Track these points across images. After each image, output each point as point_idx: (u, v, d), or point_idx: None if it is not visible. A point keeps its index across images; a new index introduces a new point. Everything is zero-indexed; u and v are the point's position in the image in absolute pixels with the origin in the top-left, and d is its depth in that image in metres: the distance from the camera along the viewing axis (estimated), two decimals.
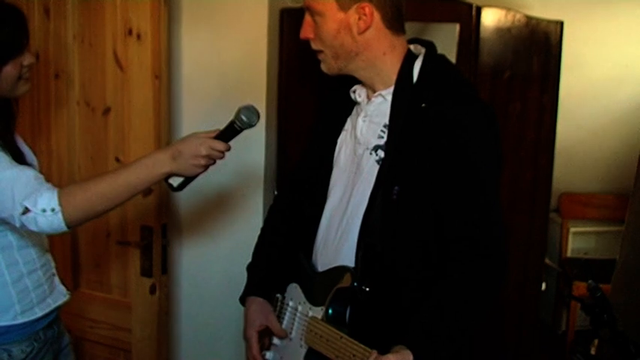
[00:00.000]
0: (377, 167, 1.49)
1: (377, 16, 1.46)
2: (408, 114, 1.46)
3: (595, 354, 1.97)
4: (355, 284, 1.47)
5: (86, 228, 2.07)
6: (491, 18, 2.62)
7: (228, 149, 1.55)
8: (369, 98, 1.57)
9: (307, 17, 1.52)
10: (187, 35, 2.31)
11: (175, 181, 1.56)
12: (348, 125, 1.62)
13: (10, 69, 1.54)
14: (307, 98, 2.52)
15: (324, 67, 1.56)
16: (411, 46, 1.56)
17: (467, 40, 2.60)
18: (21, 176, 1.49)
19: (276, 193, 2.40)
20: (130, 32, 2.03)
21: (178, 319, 2.48)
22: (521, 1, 3.09)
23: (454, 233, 1.44)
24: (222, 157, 1.55)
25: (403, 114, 1.47)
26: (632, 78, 3.62)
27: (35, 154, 1.75)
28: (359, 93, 1.58)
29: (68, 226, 1.48)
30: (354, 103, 1.61)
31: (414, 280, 1.48)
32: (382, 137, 1.50)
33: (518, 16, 2.64)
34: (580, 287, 3.28)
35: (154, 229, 2.11)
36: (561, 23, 2.66)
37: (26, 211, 1.46)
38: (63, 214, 1.46)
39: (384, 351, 1.37)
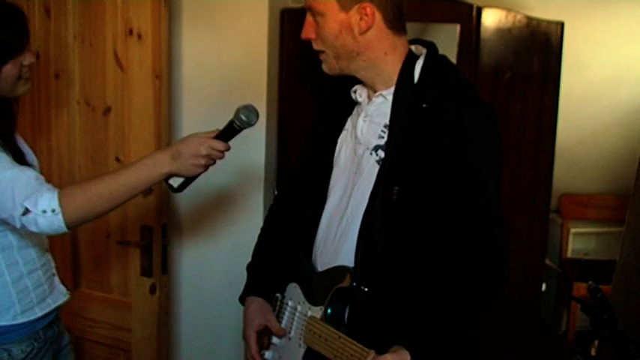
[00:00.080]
0: (377, 167, 1.49)
1: (378, 16, 1.46)
2: (408, 114, 1.46)
3: (595, 354, 1.97)
4: (354, 284, 1.47)
5: (86, 228, 2.07)
6: (491, 18, 2.62)
7: (228, 149, 1.55)
8: (369, 98, 1.57)
9: (309, 17, 1.52)
10: (188, 35, 2.31)
11: (175, 182, 1.56)
12: (348, 125, 1.62)
13: (10, 68, 1.54)
14: (307, 98, 2.52)
15: (325, 68, 1.56)
16: (413, 47, 1.56)
17: (467, 40, 2.60)
18: (21, 177, 1.49)
19: (276, 193, 2.40)
20: (131, 32, 2.03)
21: (178, 318, 2.48)
22: (522, 1, 3.09)
23: (455, 233, 1.44)
24: (221, 157, 1.55)
25: (404, 114, 1.47)
26: (632, 78, 3.62)
27: (35, 153, 1.75)
28: (360, 93, 1.59)
29: (68, 227, 1.48)
30: (354, 103, 1.61)
31: (413, 280, 1.48)
32: (382, 137, 1.50)
33: (518, 16, 2.64)
34: (580, 288, 3.28)
35: (154, 228, 2.11)
36: (562, 24, 2.66)
37: (26, 211, 1.46)
38: (63, 215, 1.46)
39: (383, 351, 1.37)
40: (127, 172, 1.52)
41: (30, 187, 1.47)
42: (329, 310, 1.50)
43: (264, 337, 1.67)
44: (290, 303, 1.64)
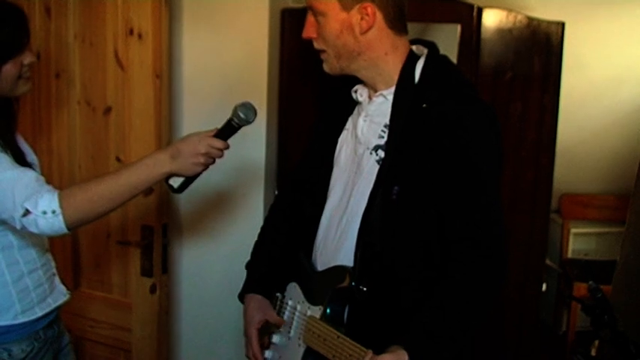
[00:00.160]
0: (377, 167, 1.49)
1: (379, 16, 1.46)
2: (408, 114, 1.46)
3: (595, 355, 1.97)
4: (353, 284, 1.47)
5: (87, 228, 2.06)
6: (492, 19, 2.62)
7: (227, 147, 1.55)
8: (370, 98, 1.57)
9: (310, 17, 1.52)
10: (188, 35, 2.31)
11: (176, 182, 1.56)
12: (349, 125, 1.62)
13: (10, 68, 1.54)
14: (308, 98, 2.52)
15: (326, 67, 1.56)
16: (414, 47, 1.56)
17: (468, 40, 2.60)
18: (22, 177, 1.49)
19: (276, 192, 2.40)
20: (131, 32, 2.03)
21: (178, 318, 2.48)
22: (523, 2, 3.09)
23: (455, 234, 1.44)
24: (221, 156, 1.55)
25: (404, 114, 1.47)
26: (633, 79, 3.62)
27: (36, 153, 1.75)
28: (360, 93, 1.59)
29: (69, 228, 1.48)
30: (355, 103, 1.61)
31: (412, 280, 1.48)
32: (383, 137, 1.50)
33: (519, 17, 2.64)
34: (580, 288, 3.28)
35: (154, 228, 2.11)
36: (562, 24, 2.66)
37: (27, 213, 1.45)
38: (63, 216, 1.46)
39: (382, 351, 1.37)
40: (127, 172, 1.52)
41: (30, 188, 1.47)
42: (328, 310, 1.50)
43: (264, 336, 1.67)
44: (290, 302, 1.64)
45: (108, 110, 2.14)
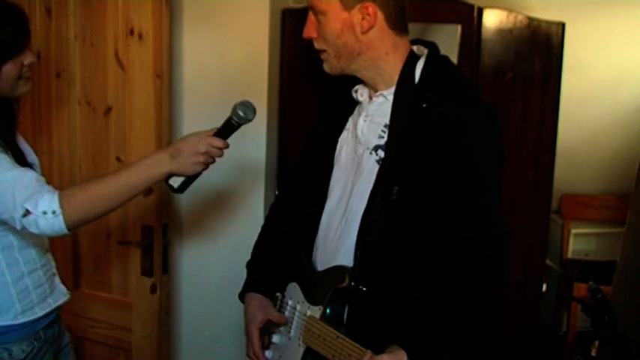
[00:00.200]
0: (377, 167, 1.49)
1: (380, 16, 1.46)
2: (408, 114, 1.46)
3: (596, 355, 1.97)
4: (352, 284, 1.47)
5: (87, 228, 2.06)
6: (492, 19, 2.62)
7: (227, 146, 1.55)
8: (370, 98, 1.57)
9: (311, 16, 1.52)
10: (189, 35, 2.31)
11: (176, 182, 1.55)
12: (349, 124, 1.62)
13: (10, 68, 1.54)
14: (308, 98, 2.52)
15: (326, 67, 1.56)
16: (414, 47, 1.56)
17: (468, 41, 2.60)
18: (22, 178, 1.49)
19: (277, 193, 2.40)
20: (132, 32, 2.03)
21: (179, 318, 2.48)
22: (523, 2, 3.09)
23: (455, 234, 1.44)
24: (220, 155, 1.55)
25: (404, 114, 1.47)
26: (633, 79, 3.62)
27: (36, 153, 1.75)
28: (361, 92, 1.59)
29: (69, 229, 1.48)
30: (355, 103, 1.61)
31: (412, 280, 1.48)
32: (382, 137, 1.50)
33: (519, 17, 2.64)
34: (581, 288, 3.28)
35: (154, 228, 2.11)
36: (563, 24, 2.66)
37: (27, 213, 1.46)
38: (64, 217, 1.46)
39: (381, 351, 1.37)
40: (127, 172, 1.52)
41: (30, 188, 1.47)
42: (328, 310, 1.50)
43: (264, 336, 1.67)
44: (290, 302, 1.64)
45: (108, 110, 2.14)
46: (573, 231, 3.67)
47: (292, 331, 1.61)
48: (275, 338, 1.65)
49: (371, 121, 1.54)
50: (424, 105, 1.46)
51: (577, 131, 3.59)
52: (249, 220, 2.35)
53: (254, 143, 2.33)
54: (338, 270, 1.51)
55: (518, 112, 2.69)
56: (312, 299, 1.57)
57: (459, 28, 2.59)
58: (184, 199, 2.37)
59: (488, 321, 2.46)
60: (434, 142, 1.43)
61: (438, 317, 1.40)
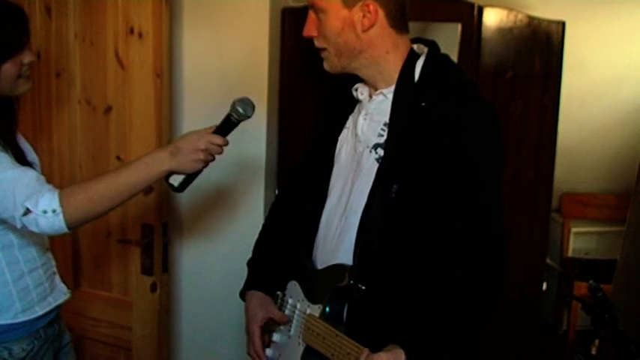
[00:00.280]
0: (377, 165, 1.49)
1: (381, 14, 1.46)
2: (408, 113, 1.46)
3: (596, 354, 1.97)
4: (352, 282, 1.47)
5: (87, 227, 2.05)
6: (493, 18, 2.62)
7: (226, 143, 1.55)
8: (370, 96, 1.57)
9: (311, 14, 1.52)
10: (189, 34, 2.31)
11: (176, 181, 1.55)
12: (349, 123, 1.62)
13: (9, 67, 1.54)
14: (308, 97, 2.52)
15: (326, 66, 1.56)
16: (415, 46, 1.56)
17: (469, 39, 2.60)
18: (22, 177, 1.49)
19: (277, 192, 2.40)
20: (132, 31, 2.03)
21: (179, 317, 2.48)
22: (523, 1, 3.08)
23: (456, 232, 1.44)
24: (220, 152, 1.55)
25: (404, 113, 1.47)
26: (633, 78, 3.62)
27: (36, 152, 1.75)
28: (361, 91, 1.59)
29: (69, 227, 1.48)
30: (356, 101, 1.61)
31: (412, 278, 1.47)
32: (382, 135, 1.50)
33: (520, 16, 2.64)
34: (581, 287, 3.28)
35: (154, 227, 2.11)
36: (563, 23, 2.66)
37: (27, 212, 1.46)
38: (64, 215, 1.46)
39: (381, 350, 1.36)
40: (127, 170, 1.52)
41: (31, 187, 1.47)
42: (327, 309, 1.51)
43: (264, 334, 1.67)
44: (290, 301, 1.64)
45: (108, 109, 2.14)
46: (573, 230, 3.67)
47: (292, 329, 1.61)
48: (275, 337, 1.65)
49: (371, 119, 1.54)
50: (423, 103, 1.46)
51: (577, 130, 3.59)
52: (250, 218, 2.35)
53: (254, 142, 2.33)
54: (337, 268, 1.51)
55: (518, 110, 2.69)
56: (312, 298, 1.58)
57: (459, 26, 2.59)
58: (184, 198, 2.37)
59: (489, 320, 2.46)
60: (434, 141, 1.43)
61: (438, 316, 1.39)
